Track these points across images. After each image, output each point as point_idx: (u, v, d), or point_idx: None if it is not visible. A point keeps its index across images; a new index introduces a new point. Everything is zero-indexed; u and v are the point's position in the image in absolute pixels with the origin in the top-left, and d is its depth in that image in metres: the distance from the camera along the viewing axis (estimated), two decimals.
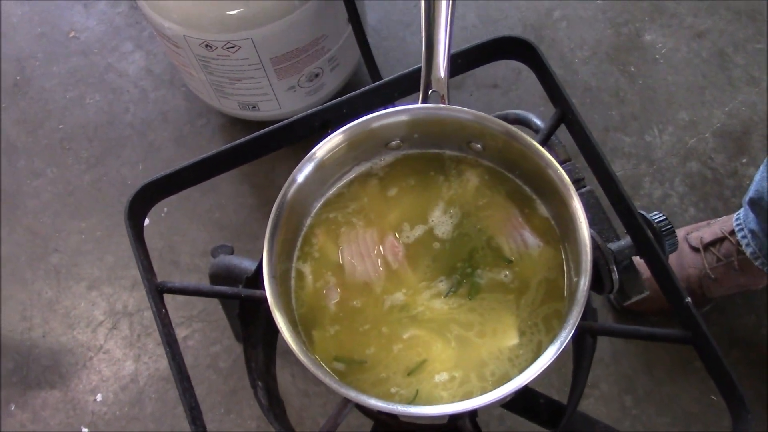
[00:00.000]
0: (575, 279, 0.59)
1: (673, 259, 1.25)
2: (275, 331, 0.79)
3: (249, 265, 0.84)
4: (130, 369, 1.33)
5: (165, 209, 1.45)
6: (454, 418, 0.66)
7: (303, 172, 0.62)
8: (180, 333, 1.34)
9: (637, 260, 0.74)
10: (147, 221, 1.44)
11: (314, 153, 0.62)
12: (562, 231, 0.64)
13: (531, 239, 0.64)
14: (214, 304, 1.34)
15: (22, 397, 1.32)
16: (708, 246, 1.23)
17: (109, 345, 1.35)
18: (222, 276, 0.90)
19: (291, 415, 1.27)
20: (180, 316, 1.35)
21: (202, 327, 1.35)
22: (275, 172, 1.46)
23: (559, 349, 0.54)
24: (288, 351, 0.55)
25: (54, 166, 1.53)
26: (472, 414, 0.71)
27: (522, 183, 0.67)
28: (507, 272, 0.63)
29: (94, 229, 1.46)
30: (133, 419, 1.29)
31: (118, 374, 1.32)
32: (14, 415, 1.30)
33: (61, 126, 1.57)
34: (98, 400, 1.30)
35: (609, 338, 1.29)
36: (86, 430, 1.28)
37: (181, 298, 1.37)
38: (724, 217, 1.26)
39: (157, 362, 1.32)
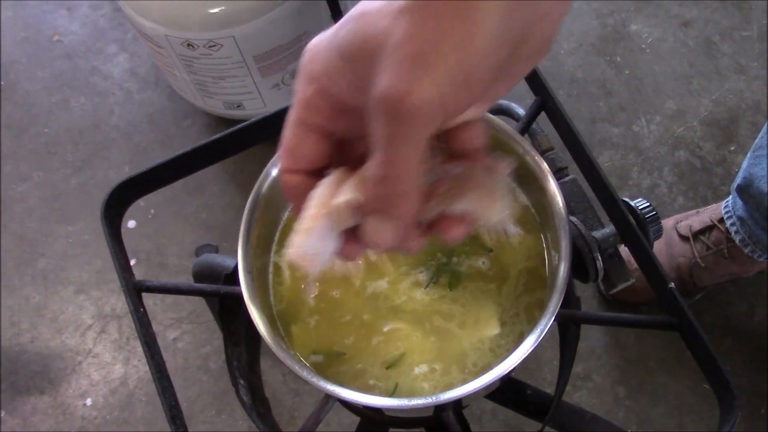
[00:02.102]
0: (555, 265, 0.58)
1: (662, 249, 1.25)
2: None
3: (231, 262, 0.83)
4: (119, 372, 1.32)
5: (152, 211, 1.44)
6: (439, 410, 0.65)
7: (277, 165, 0.62)
8: (169, 335, 1.33)
9: (627, 253, 0.73)
10: (134, 223, 1.45)
11: None
12: (542, 218, 0.63)
13: (511, 228, 0.64)
14: (204, 305, 1.33)
15: (12, 404, 1.31)
16: (697, 234, 1.22)
17: (98, 349, 1.34)
18: (205, 274, 0.88)
19: (282, 414, 1.27)
20: (169, 318, 1.34)
21: (192, 329, 1.34)
22: (262, 171, 1.45)
23: (539, 336, 0.54)
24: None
25: (40, 171, 1.52)
26: (457, 407, 0.70)
27: None
28: (487, 261, 0.63)
29: (81, 233, 1.45)
30: (123, 423, 1.28)
31: (107, 378, 1.31)
32: (4, 421, 1.29)
33: (46, 130, 1.56)
34: (88, 404, 1.29)
35: (601, 330, 1.28)
36: None
37: (169, 300, 1.36)
38: (713, 205, 1.26)
39: (146, 365, 1.30)
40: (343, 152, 0.38)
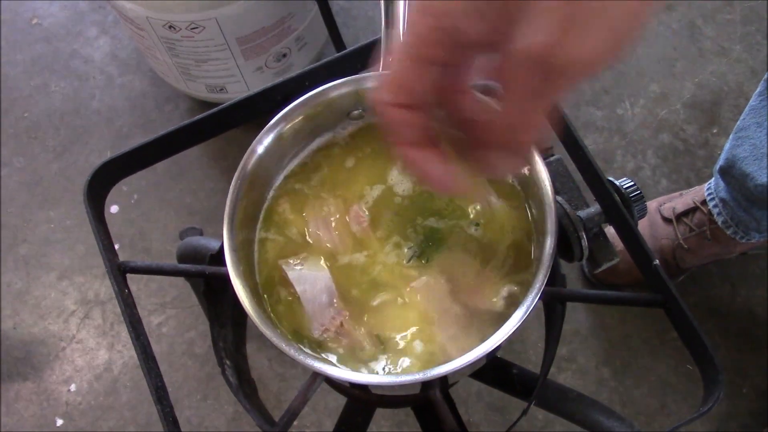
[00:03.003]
0: (541, 242, 0.58)
1: (646, 231, 1.25)
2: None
3: (216, 243, 0.82)
4: (103, 358, 1.31)
5: (135, 196, 1.43)
6: (426, 388, 0.65)
7: (263, 144, 0.61)
8: (154, 320, 1.32)
9: (612, 234, 0.74)
10: (117, 208, 1.43)
11: (273, 124, 0.61)
12: (528, 197, 0.63)
13: (497, 204, 0.64)
14: (188, 290, 1.32)
15: None
16: (680, 216, 1.23)
17: (82, 334, 1.33)
18: (190, 256, 0.88)
19: (269, 399, 1.27)
20: (153, 302, 1.33)
21: (176, 313, 1.33)
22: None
23: (524, 314, 0.54)
24: (262, 333, 0.54)
25: (20, 156, 1.50)
26: (444, 385, 0.70)
27: None
28: (473, 235, 0.62)
29: (63, 218, 1.44)
30: (108, 408, 1.27)
31: (91, 363, 1.31)
32: None
33: (26, 115, 1.54)
34: (72, 390, 1.29)
35: (586, 312, 1.29)
36: (61, 421, 1.26)
37: (153, 285, 1.35)
38: (696, 187, 1.27)
39: (131, 350, 1.31)
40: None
